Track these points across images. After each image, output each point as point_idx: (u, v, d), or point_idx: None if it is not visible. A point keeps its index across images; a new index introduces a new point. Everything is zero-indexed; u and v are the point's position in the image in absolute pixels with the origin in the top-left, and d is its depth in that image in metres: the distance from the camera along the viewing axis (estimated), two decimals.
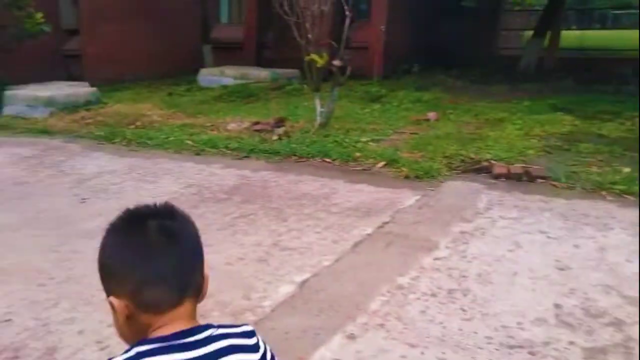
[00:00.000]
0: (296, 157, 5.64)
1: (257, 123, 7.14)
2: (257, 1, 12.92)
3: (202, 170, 5.32)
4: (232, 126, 7.12)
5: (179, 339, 0.93)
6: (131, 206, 1.03)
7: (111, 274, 0.99)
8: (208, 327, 0.99)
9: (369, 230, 3.62)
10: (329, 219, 3.87)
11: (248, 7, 13.46)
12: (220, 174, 5.17)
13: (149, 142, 6.53)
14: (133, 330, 0.97)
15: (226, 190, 4.62)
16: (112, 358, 0.92)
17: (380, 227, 3.69)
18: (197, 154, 5.98)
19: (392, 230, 3.62)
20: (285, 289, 2.84)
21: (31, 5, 9.54)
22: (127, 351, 0.92)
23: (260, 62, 12.85)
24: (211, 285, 2.77)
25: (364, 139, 6.20)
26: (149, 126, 7.49)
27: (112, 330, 2.29)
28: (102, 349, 2.37)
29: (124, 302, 0.94)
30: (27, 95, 8.62)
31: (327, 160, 5.50)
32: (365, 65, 11.64)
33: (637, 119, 6.72)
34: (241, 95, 9.77)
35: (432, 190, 4.48)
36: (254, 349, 1.01)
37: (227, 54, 13.37)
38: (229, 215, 4.00)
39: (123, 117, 8.01)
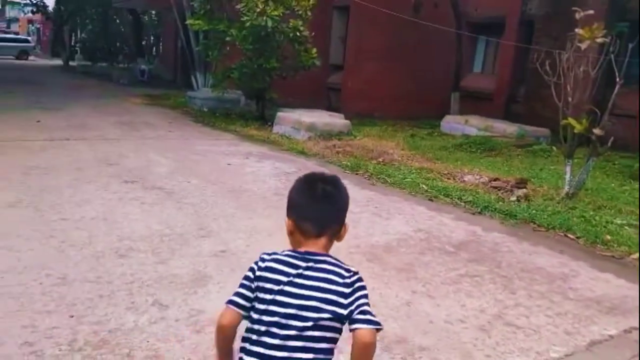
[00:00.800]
0: (534, 225, 5.28)
1: (496, 179, 6.90)
2: (513, 53, 12.59)
3: (433, 217, 5.38)
4: (468, 178, 7.04)
5: (303, 254, 1.50)
6: (309, 173, 1.65)
7: (289, 205, 1.58)
8: (327, 256, 1.52)
9: (612, 332, 3.17)
10: (564, 304, 3.51)
11: (503, 58, 13.20)
12: (451, 225, 5.15)
13: (387, 179, 6.88)
14: (292, 242, 1.57)
15: (454, 244, 4.58)
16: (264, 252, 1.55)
17: (627, 331, 3.19)
18: (430, 200, 6.06)
19: None
20: None
21: (309, 42, 11.02)
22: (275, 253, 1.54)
23: (509, 116, 12.42)
24: (429, 339, 2.78)
25: (618, 221, 5.47)
26: (390, 164, 7.89)
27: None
28: None
29: (290, 222, 1.55)
30: (294, 118, 9.93)
31: (570, 236, 4.99)
32: (631, 136, 10.28)
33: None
34: (483, 147, 9.58)
35: None
36: (343, 285, 1.46)
37: (476, 103, 13.29)
38: (454, 271, 3.95)
39: (368, 151, 8.61)
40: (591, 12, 5.41)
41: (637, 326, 3.27)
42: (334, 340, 1.48)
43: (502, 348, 2.88)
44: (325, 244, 1.53)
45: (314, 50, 11.06)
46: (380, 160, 8.14)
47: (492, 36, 13.50)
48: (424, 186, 6.54)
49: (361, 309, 1.43)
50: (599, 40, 5.45)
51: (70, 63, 28.31)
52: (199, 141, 8.84)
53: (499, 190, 6.50)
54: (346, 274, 1.48)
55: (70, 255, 3.72)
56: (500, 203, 5.90)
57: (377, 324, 1.43)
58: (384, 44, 13.65)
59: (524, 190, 6.41)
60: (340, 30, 14.58)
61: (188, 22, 12.10)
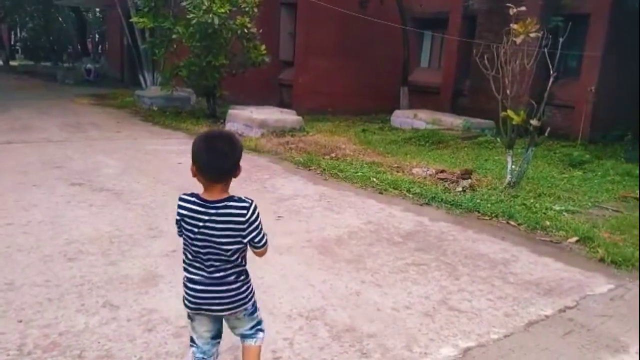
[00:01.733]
0: (479, 214, 5.53)
1: (442, 171, 7.16)
2: (457, 48, 12.99)
3: (383, 209, 5.54)
4: (416, 170, 7.26)
5: (203, 200, 1.99)
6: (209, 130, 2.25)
7: (194, 156, 1.98)
8: (227, 200, 1.99)
9: (548, 312, 3.39)
10: (504, 288, 3.73)
11: (448, 53, 13.59)
12: (399, 216, 5.33)
13: (339, 174, 7.01)
14: (199, 180, 2.00)
15: (402, 234, 4.75)
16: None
17: (562, 310, 3.43)
18: (380, 193, 6.23)
19: (574, 318, 3.33)
20: (447, 351, 2.83)
21: (257, 38, 11.02)
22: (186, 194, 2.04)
23: (455, 109, 12.82)
24: (376, 326, 2.90)
25: (557, 208, 5.80)
26: (342, 159, 8.03)
27: (286, 343, 2.54)
28: (275, 359, 2.66)
29: (194, 169, 1.98)
30: (246, 116, 9.92)
31: (512, 223, 5.27)
32: (569, 125, 10.84)
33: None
34: (430, 140, 9.88)
35: (631, 282, 4.00)
36: (241, 214, 1.99)
37: (423, 97, 13.64)
38: (401, 260, 4.11)
39: (321, 147, 8.72)
40: (523, 8, 5.70)
41: (571, 305, 3.52)
42: (242, 250, 2.07)
43: (445, 332, 3.04)
44: (223, 186, 2.00)
45: (263, 46, 11.06)
46: (333, 155, 8.27)
47: (437, 31, 13.85)
48: (374, 180, 6.71)
49: (254, 239, 2.04)
50: (533, 35, 5.74)
51: (11, 63, 27.06)
52: (148, 141, 8.70)
53: (445, 181, 6.75)
54: (245, 214, 1.99)
55: (17, 260, 3.64)
56: (447, 194, 6.13)
57: (264, 244, 2.08)
58: (333, 40, 13.77)
59: (469, 180, 6.69)
60: (289, 26, 14.60)
61: (133, 19, 11.83)
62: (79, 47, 24.17)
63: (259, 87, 13.77)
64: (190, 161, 1.99)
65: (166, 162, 7.00)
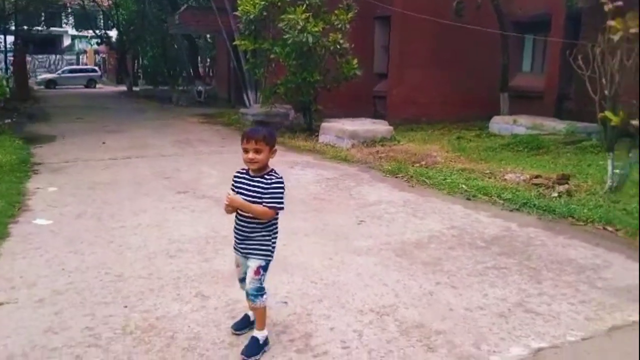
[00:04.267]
0: (573, 219, 5.26)
1: (537, 177, 6.87)
2: (560, 51, 12.29)
3: (469, 215, 5.48)
4: (510, 176, 7.04)
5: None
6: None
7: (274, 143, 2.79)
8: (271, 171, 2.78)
9: (636, 318, 3.20)
10: (590, 292, 3.56)
11: (551, 56, 12.92)
12: (485, 221, 5.24)
13: (427, 180, 7.01)
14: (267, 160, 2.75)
15: (486, 239, 4.68)
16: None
17: None
18: (468, 199, 6.15)
19: None
20: (517, 351, 2.80)
21: (349, 53, 11.33)
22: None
23: (560, 114, 12.12)
24: (446, 324, 2.98)
25: None
26: (432, 166, 8.00)
27: (355, 335, 2.68)
28: (344, 348, 2.82)
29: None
30: (338, 127, 10.23)
31: (609, 228, 4.96)
32: None
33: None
34: (530, 146, 9.45)
35: None
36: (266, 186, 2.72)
37: (525, 103, 13.05)
38: (481, 264, 4.07)
39: (411, 155, 8.75)
40: (620, 3, 5.37)
41: None
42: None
43: (518, 332, 3.00)
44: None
45: (355, 60, 11.35)
46: (423, 163, 8.26)
47: (538, 34, 13.24)
48: (463, 186, 6.63)
49: (269, 201, 2.70)
50: (633, 30, 5.38)
51: (134, 88, 30.11)
52: None
53: (540, 187, 6.48)
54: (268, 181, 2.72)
55: (127, 257, 4.17)
56: (540, 200, 5.89)
57: (272, 207, 2.69)
58: (427, 50, 13.72)
59: (566, 185, 6.36)
60: (382, 39, 14.79)
61: (235, 42, 12.73)
62: (191, 71, 26.28)
63: (353, 100, 14.06)
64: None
65: None
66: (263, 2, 11.11)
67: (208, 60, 34.97)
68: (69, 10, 39.47)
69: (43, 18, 36.90)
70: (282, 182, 2.74)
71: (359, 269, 3.93)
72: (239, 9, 11.56)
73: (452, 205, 5.88)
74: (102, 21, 37.29)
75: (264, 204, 2.68)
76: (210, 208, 5.66)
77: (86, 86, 36.10)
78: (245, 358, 2.69)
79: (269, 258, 2.79)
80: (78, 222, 5.10)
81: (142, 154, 9.25)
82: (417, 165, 8.10)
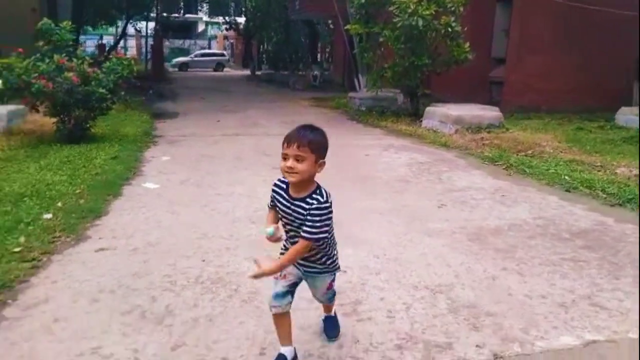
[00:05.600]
0: None
1: None
2: None
3: (562, 207, 5.17)
4: (622, 170, 6.45)
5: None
6: None
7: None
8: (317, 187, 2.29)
9: None
10: None
11: None
12: (579, 214, 4.91)
13: (527, 170, 6.68)
14: (313, 174, 2.24)
15: (573, 232, 4.41)
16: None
17: None
18: (567, 191, 5.77)
19: None
20: (567, 340, 2.68)
21: (461, 37, 10.96)
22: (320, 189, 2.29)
23: None
24: (499, 307, 3.00)
25: None
26: (537, 156, 7.58)
27: (403, 307, 2.74)
28: (389, 317, 2.92)
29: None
30: (441, 112, 10.02)
31: None
32: None
33: None
34: None
35: None
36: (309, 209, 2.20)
37: None
38: (558, 255, 3.87)
39: (517, 144, 8.35)
40: None
41: None
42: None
43: (574, 323, 2.86)
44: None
45: (467, 44, 10.98)
46: (529, 152, 7.85)
47: None
48: (566, 177, 6.23)
49: (305, 231, 2.18)
50: None
51: (257, 72, 31.80)
52: (348, 135, 9.52)
53: None
54: (308, 206, 2.20)
55: (215, 219, 4.61)
56: None
57: (309, 238, 2.17)
58: (550, 34, 12.79)
59: None
60: (503, 22, 14.03)
61: (347, 27, 12.93)
62: (309, 56, 27.12)
63: (467, 86, 13.60)
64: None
65: (354, 154, 7.62)
66: None
67: (328, 45, 35.73)
68: None
69: (182, 5, 40.23)
70: (323, 206, 2.18)
71: (425, 249, 3.95)
72: None
73: (548, 196, 5.57)
74: (232, 8, 39.74)
75: (301, 232, 2.19)
76: None
77: (215, 69, 38.85)
78: (335, 338, 2.68)
79: (338, 269, 2.46)
80: (180, 188, 5.70)
81: (250, 132, 9.89)
82: (522, 154, 7.72)
